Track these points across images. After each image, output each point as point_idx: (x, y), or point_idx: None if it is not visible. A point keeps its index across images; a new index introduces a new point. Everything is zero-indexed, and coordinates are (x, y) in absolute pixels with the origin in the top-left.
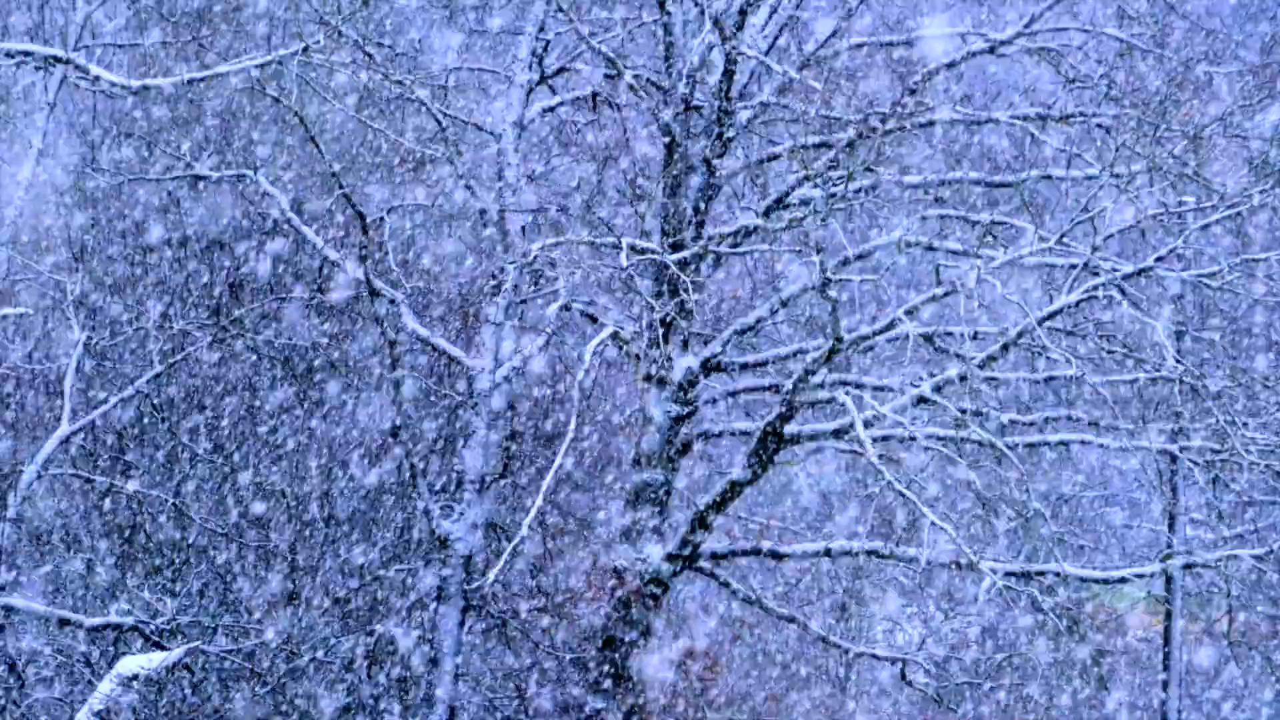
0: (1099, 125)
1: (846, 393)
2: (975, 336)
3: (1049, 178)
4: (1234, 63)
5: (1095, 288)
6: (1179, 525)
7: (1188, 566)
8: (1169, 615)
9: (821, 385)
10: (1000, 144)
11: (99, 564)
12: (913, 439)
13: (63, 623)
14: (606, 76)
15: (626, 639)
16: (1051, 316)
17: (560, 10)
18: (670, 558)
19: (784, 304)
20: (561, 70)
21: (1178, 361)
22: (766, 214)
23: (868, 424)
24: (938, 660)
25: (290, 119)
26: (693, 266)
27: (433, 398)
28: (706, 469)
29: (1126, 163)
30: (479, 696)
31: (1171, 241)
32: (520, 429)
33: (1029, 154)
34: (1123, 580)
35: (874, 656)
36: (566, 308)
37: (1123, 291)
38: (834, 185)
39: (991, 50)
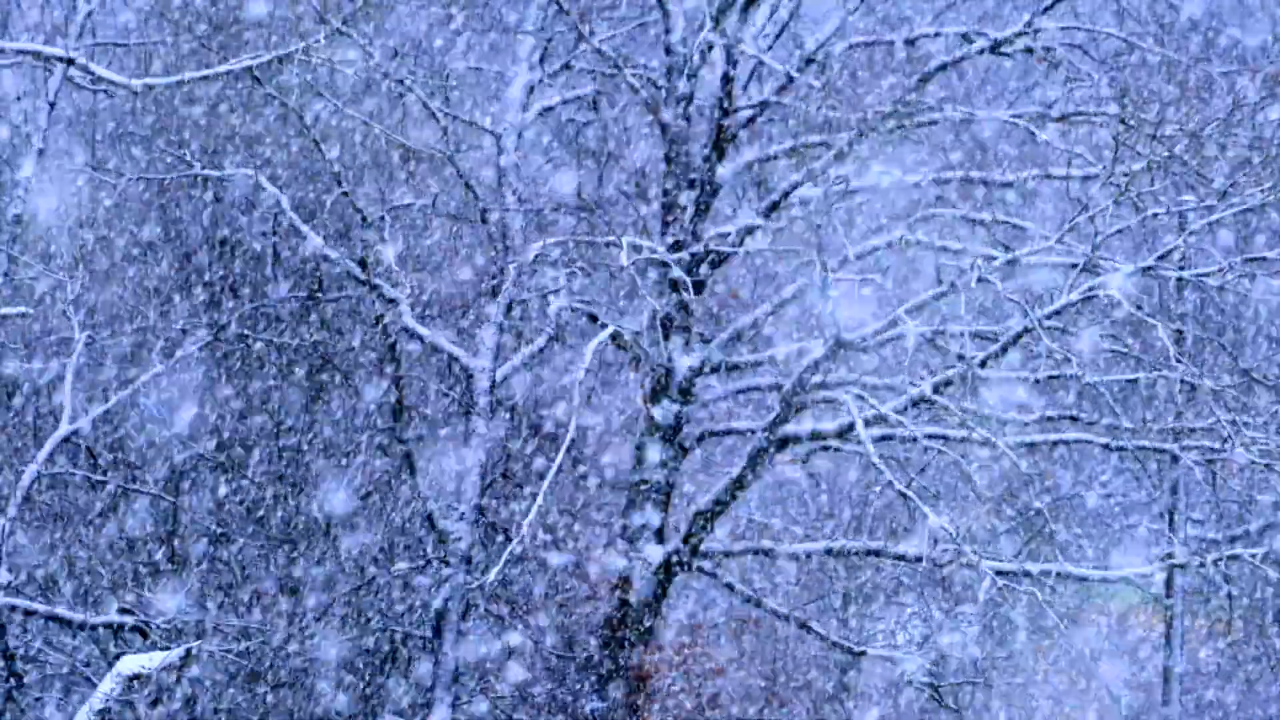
0: (1099, 125)
1: (847, 392)
2: (976, 336)
3: (1049, 177)
4: (1234, 62)
5: (1095, 288)
6: (1179, 525)
7: (1187, 566)
8: (1169, 615)
9: (822, 385)
10: (1000, 143)
11: (99, 564)
12: (913, 439)
13: (63, 622)
14: (607, 76)
15: (627, 638)
16: (1051, 316)
17: (560, 10)
18: (670, 557)
19: (784, 303)
20: (561, 70)
21: (1178, 361)
22: (766, 214)
23: (868, 424)
24: (938, 659)
25: (291, 118)
26: (693, 266)
27: (432, 397)
28: (706, 469)
29: (1127, 162)
30: (479, 695)
31: (1171, 241)
32: (520, 428)
33: (1029, 153)
34: (1123, 580)
35: (874, 656)
36: (568, 308)
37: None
38: (834, 185)
39: (993, 49)
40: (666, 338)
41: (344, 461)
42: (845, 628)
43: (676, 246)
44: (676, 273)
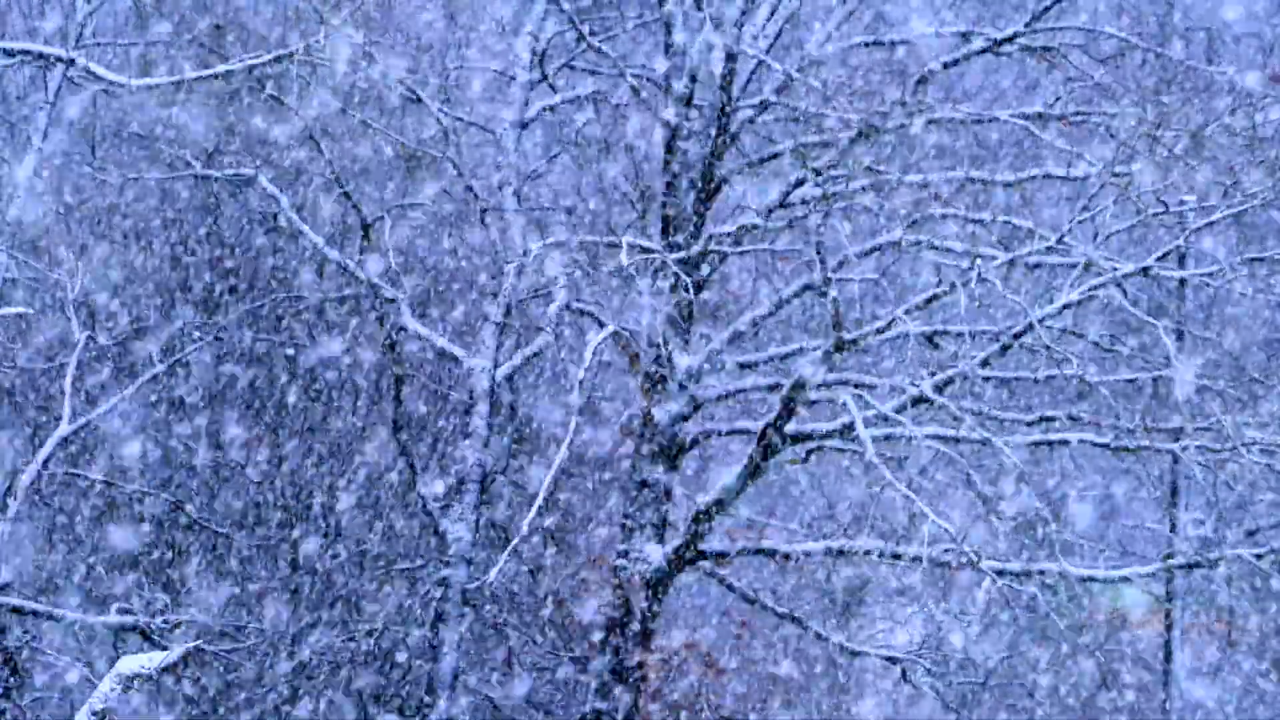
0: (1099, 125)
1: (847, 393)
2: (975, 336)
3: (1049, 177)
4: (1234, 61)
5: (1095, 288)
6: (1179, 525)
7: (1187, 566)
8: (1169, 615)
9: (822, 384)
10: (1000, 144)
11: (99, 563)
12: (913, 439)
13: (63, 622)
14: (607, 76)
15: (626, 638)
16: (1051, 316)
17: (560, 10)
18: (670, 557)
19: (784, 303)
20: (562, 69)
21: (1178, 361)
22: (767, 213)
23: (868, 424)
24: (938, 659)
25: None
26: (693, 266)
27: (432, 397)
28: (706, 469)
29: (1127, 162)
30: (479, 696)
31: (1172, 241)
32: (520, 428)
33: (1029, 153)
34: (1123, 580)
35: (874, 656)
36: (568, 308)
37: (1123, 291)
38: (834, 184)
39: (995, 49)
40: (666, 338)
41: (343, 461)
42: (845, 628)
43: (677, 246)
44: (676, 272)
